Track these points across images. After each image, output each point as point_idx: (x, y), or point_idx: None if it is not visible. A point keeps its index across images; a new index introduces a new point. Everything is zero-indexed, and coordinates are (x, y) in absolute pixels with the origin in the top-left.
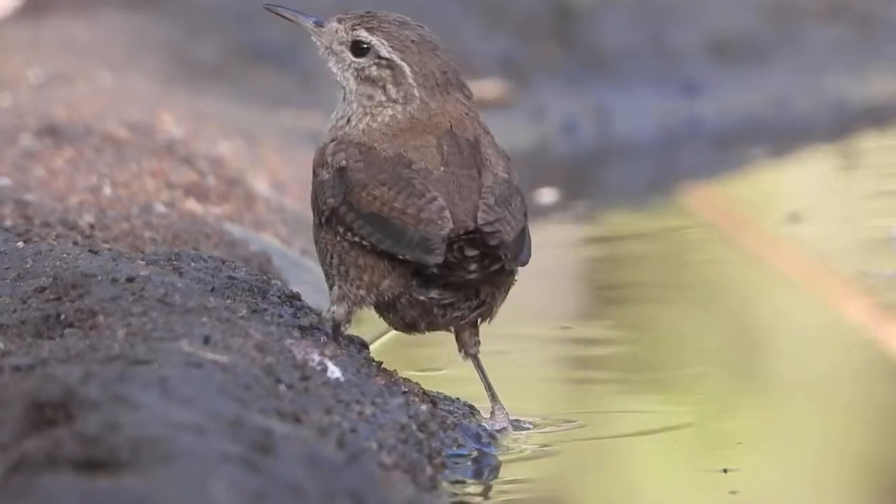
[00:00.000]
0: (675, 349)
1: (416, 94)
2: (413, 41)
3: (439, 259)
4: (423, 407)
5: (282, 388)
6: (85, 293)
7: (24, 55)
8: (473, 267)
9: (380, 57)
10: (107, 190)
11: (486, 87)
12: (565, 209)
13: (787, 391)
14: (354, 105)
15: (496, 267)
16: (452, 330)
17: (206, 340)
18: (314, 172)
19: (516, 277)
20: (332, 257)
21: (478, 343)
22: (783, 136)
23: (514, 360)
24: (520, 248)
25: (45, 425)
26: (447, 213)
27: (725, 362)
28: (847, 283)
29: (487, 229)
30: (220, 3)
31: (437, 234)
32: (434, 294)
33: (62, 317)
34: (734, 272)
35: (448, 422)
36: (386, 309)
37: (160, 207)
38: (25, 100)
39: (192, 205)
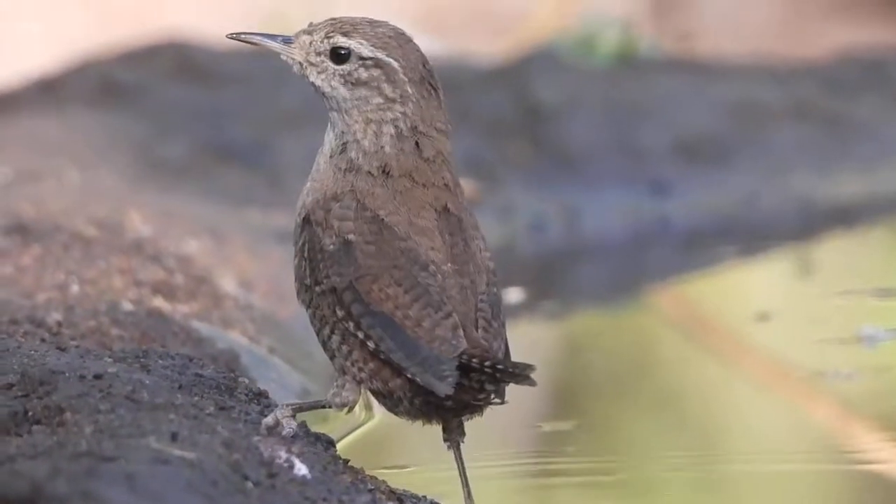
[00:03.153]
0: (641, 449)
1: (410, 90)
2: (390, 37)
3: (449, 390)
4: None
5: (249, 484)
6: (52, 390)
7: None
8: (483, 396)
9: (363, 58)
10: (74, 287)
11: None
12: (533, 308)
13: (747, 491)
14: (354, 113)
15: (499, 399)
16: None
17: (174, 437)
18: (309, 224)
19: None
20: (332, 332)
21: (463, 434)
22: (751, 235)
23: (484, 457)
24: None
25: None
26: (461, 333)
27: (690, 463)
28: (810, 383)
29: (501, 366)
30: (187, 102)
31: (450, 357)
32: (446, 403)
33: (30, 413)
34: (700, 372)
35: None
36: (388, 398)
37: (128, 305)
38: None
39: (159, 302)
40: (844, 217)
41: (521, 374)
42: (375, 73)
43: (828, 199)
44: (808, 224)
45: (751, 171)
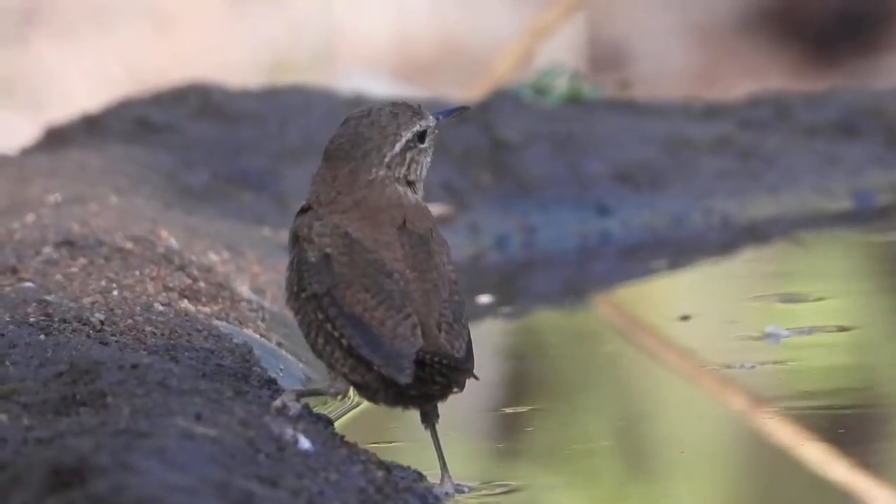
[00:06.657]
0: (585, 428)
1: (321, 163)
2: (369, 117)
3: (409, 380)
4: (379, 473)
5: (261, 457)
6: (96, 377)
7: (45, 180)
8: (437, 388)
9: None
10: (115, 292)
11: (432, 209)
12: (498, 311)
13: (668, 461)
14: None
15: (457, 389)
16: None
17: (198, 417)
18: (298, 240)
19: None
20: (317, 335)
21: (437, 416)
22: (678, 250)
23: (455, 435)
24: (472, 360)
25: (63, 487)
26: (419, 332)
27: (625, 440)
28: (721, 374)
29: (459, 365)
30: (208, 138)
31: (409, 352)
32: (411, 392)
33: (77, 397)
34: (634, 364)
35: (400, 486)
36: (367, 389)
37: (159, 307)
38: (46, 218)
39: (186, 305)
40: (755, 234)
41: (463, 369)
42: None
43: (742, 219)
44: (726, 240)
45: (679, 195)
